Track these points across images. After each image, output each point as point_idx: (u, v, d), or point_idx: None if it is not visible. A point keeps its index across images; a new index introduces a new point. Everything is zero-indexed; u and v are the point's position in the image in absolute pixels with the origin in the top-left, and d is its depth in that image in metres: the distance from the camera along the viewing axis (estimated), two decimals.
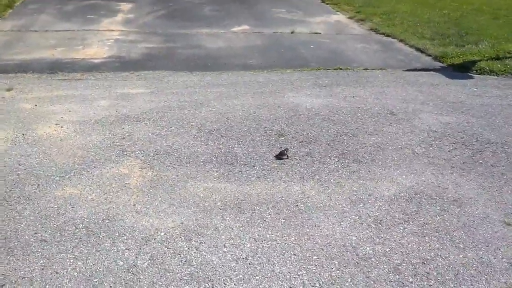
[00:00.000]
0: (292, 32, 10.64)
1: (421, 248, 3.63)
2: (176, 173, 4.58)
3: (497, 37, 9.91)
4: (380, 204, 4.15)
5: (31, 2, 12.47)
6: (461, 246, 3.66)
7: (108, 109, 6.18)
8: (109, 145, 5.13)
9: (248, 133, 5.46)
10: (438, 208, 4.13)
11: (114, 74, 7.94)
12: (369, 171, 4.71)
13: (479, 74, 7.98)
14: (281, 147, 5.09)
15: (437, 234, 3.79)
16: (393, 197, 4.27)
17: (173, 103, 6.42)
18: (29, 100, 6.51)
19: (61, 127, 5.56)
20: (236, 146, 5.16)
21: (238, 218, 3.91)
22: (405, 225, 3.89)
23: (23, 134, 5.33)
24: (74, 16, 11.38)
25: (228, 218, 3.91)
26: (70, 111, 6.09)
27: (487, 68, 8.06)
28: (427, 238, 3.74)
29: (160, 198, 4.16)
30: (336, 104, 6.42)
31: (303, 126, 5.68)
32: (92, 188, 4.31)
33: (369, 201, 4.20)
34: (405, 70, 8.27)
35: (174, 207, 4.04)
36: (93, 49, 9.68)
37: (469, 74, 7.98)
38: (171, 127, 5.60)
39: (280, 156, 4.92)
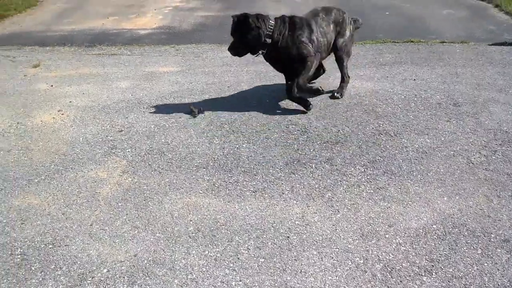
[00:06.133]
0: None
1: None
2: (159, 181, 3.80)
3: None
4: (400, 242, 3.11)
5: None
6: None
7: (125, 92, 5.52)
8: (100, 140, 4.45)
9: (266, 129, 4.54)
10: (479, 252, 3.01)
11: (152, 48, 7.30)
12: (400, 188, 3.64)
13: None
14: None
15: None
16: (421, 231, 3.20)
17: (197, 86, 5.63)
18: (49, 79, 6.02)
19: (62, 114, 4.98)
20: (244, 146, 4.27)
21: (206, 252, 3.07)
22: (425, 279, 2.83)
23: (17, 123, 4.81)
24: None
25: (194, 251, 3.07)
26: (83, 93, 5.51)
27: None
28: None
29: (125, 217, 3.41)
30: (389, 90, 5.29)
31: (336, 120, 4.65)
32: (55, 197, 3.65)
33: (386, 236, 3.16)
34: (491, 44, 6.85)
35: (136, 231, 3.27)
36: (146, 18, 9.12)
37: None
38: (180, 117, 4.82)
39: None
